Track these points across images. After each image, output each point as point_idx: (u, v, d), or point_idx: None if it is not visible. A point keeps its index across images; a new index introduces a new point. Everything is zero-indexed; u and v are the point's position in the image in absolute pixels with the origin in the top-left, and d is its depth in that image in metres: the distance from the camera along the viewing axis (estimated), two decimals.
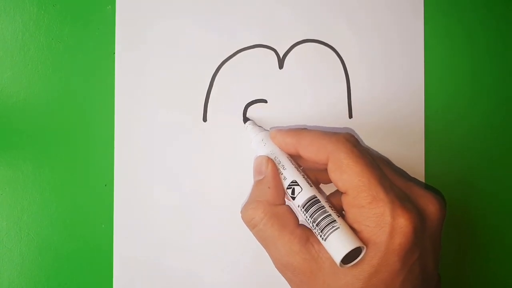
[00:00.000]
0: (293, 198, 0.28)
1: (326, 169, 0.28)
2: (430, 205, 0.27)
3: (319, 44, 0.34)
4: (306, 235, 0.27)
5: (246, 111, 0.34)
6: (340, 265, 0.25)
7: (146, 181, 0.34)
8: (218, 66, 0.34)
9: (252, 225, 0.28)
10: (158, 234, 0.34)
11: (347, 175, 0.26)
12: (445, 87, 0.34)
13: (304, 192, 0.28)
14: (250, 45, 0.34)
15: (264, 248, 0.29)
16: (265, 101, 0.34)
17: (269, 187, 0.29)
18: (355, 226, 0.26)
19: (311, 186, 0.28)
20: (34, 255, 0.34)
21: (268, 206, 0.28)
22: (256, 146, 0.31)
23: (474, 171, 0.35)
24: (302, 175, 0.29)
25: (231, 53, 0.34)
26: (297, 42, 0.34)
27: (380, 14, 0.34)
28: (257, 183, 0.30)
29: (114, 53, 0.34)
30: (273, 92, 0.34)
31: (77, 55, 0.34)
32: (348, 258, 0.25)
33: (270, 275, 0.33)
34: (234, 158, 0.34)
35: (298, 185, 0.28)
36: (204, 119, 0.34)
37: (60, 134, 0.34)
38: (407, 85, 0.34)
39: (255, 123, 0.33)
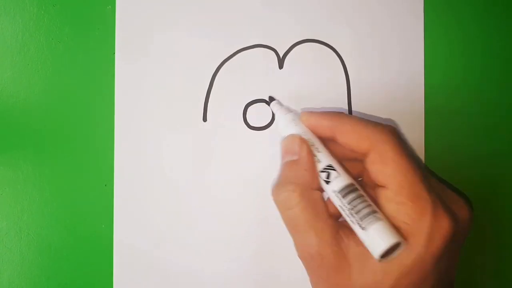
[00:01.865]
0: (327, 183, 0.26)
1: (356, 159, 0.27)
2: (462, 211, 0.26)
3: (319, 44, 0.34)
4: (337, 226, 0.26)
5: (272, 98, 0.32)
6: (378, 259, 0.24)
7: (146, 181, 0.34)
8: (218, 66, 0.34)
9: (285, 208, 0.27)
10: (158, 234, 0.34)
11: (391, 168, 0.25)
12: (445, 86, 0.34)
13: (342, 178, 0.26)
14: (250, 45, 0.34)
15: (292, 233, 0.27)
16: (265, 100, 0.34)
17: (305, 169, 0.27)
18: (392, 221, 0.25)
19: (347, 173, 0.27)
20: (34, 255, 0.34)
21: (306, 190, 0.26)
22: (285, 126, 0.29)
23: (474, 170, 0.35)
24: (337, 161, 0.27)
25: (231, 53, 0.34)
26: (297, 42, 0.34)
27: (380, 14, 0.34)
28: (291, 164, 0.28)
29: (114, 53, 0.34)
30: (273, 92, 0.34)
31: (77, 55, 0.34)
32: (386, 252, 0.24)
33: (269, 272, 0.33)
34: (234, 158, 0.34)
35: (334, 169, 0.27)
36: (204, 119, 0.34)
37: (60, 134, 0.34)
38: (407, 84, 0.34)
39: (281, 103, 0.32)
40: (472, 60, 0.35)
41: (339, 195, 0.26)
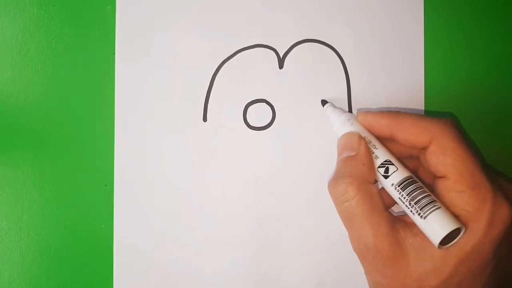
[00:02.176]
0: (386, 177, 0.28)
1: (411, 156, 0.28)
2: None
3: (319, 44, 0.34)
4: (393, 219, 0.27)
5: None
6: (438, 246, 0.25)
7: (146, 181, 0.34)
8: (218, 66, 0.34)
9: (342, 200, 0.27)
10: (158, 234, 0.34)
11: (452, 159, 0.26)
12: (445, 86, 0.34)
13: (400, 171, 0.27)
14: (250, 45, 0.34)
15: (347, 226, 0.28)
16: (265, 101, 0.34)
17: (363, 164, 0.28)
18: (452, 210, 0.26)
19: (405, 167, 0.28)
20: (34, 255, 0.34)
21: (363, 183, 0.27)
22: (341, 125, 0.30)
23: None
24: (394, 156, 0.28)
25: (231, 53, 0.34)
26: (297, 42, 0.34)
27: (380, 14, 0.34)
28: (349, 159, 0.28)
29: (114, 53, 0.34)
30: (273, 92, 0.34)
31: (77, 55, 0.34)
32: (445, 239, 0.25)
33: (269, 272, 0.33)
34: (234, 158, 0.34)
35: (392, 164, 0.28)
36: (204, 119, 0.34)
37: (60, 134, 0.34)
38: (407, 85, 0.34)
39: (334, 105, 0.33)
40: (472, 60, 0.35)
41: (398, 188, 0.27)
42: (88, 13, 0.34)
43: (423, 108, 0.34)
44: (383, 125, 0.29)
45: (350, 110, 0.34)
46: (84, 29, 0.34)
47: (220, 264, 0.34)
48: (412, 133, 0.27)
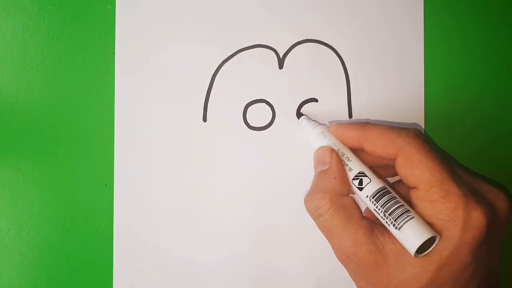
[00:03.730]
0: (360, 189, 0.28)
1: (387, 165, 0.28)
2: (500, 201, 0.27)
3: (319, 44, 0.34)
4: (371, 226, 0.27)
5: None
6: (415, 254, 0.25)
7: (146, 181, 0.34)
8: (218, 66, 0.34)
9: (317, 215, 0.28)
10: (158, 234, 0.34)
11: (419, 170, 0.26)
12: (445, 86, 0.34)
13: (374, 183, 0.28)
14: (250, 45, 0.34)
15: (327, 238, 0.28)
16: (265, 101, 0.34)
17: (335, 178, 0.28)
18: (426, 219, 0.26)
19: (379, 178, 0.28)
20: (34, 255, 0.34)
21: (335, 196, 0.28)
22: (315, 139, 0.31)
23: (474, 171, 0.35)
24: (368, 167, 0.29)
25: (231, 53, 0.34)
26: (297, 42, 0.34)
27: (380, 14, 0.34)
28: (321, 174, 0.29)
29: (114, 53, 0.34)
30: (273, 92, 0.34)
31: (77, 55, 0.34)
32: (421, 248, 0.25)
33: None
34: (234, 158, 0.34)
35: (366, 176, 0.28)
36: (204, 119, 0.34)
37: (60, 134, 0.34)
38: (407, 85, 0.34)
39: (309, 118, 0.33)
40: (472, 61, 0.35)
41: (373, 199, 0.27)
42: (88, 13, 0.34)
43: (423, 107, 0.34)
44: (352, 137, 0.29)
45: (350, 110, 0.34)
46: (84, 29, 0.34)
47: (221, 264, 0.34)
48: (378, 145, 0.28)
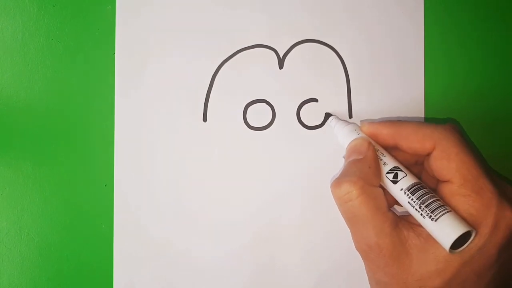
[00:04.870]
0: (395, 182, 0.28)
1: (417, 164, 0.29)
2: None
3: (319, 44, 0.34)
4: (396, 219, 0.27)
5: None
6: (450, 250, 0.25)
7: (146, 181, 0.34)
8: (218, 66, 0.34)
9: (345, 200, 0.27)
10: (158, 234, 0.34)
11: (455, 163, 0.26)
12: (445, 87, 0.34)
13: (409, 177, 0.28)
14: (250, 45, 0.34)
15: (350, 225, 0.28)
16: (265, 101, 0.34)
17: (369, 167, 0.28)
18: (457, 214, 0.26)
19: (413, 174, 0.28)
20: (34, 255, 0.34)
21: (367, 184, 0.27)
22: (347, 135, 0.31)
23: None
24: (401, 163, 0.29)
25: (231, 53, 0.34)
26: (297, 42, 0.34)
27: (380, 14, 0.34)
28: (355, 162, 0.29)
29: (114, 53, 0.34)
30: (273, 92, 0.34)
31: (77, 55, 0.34)
32: (455, 243, 0.25)
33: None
34: (234, 158, 0.34)
35: (401, 170, 0.28)
36: (204, 119, 0.34)
37: (60, 134, 0.34)
38: (407, 85, 0.34)
39: (338, 117, 0.33)
40: (473, 61, 0.35)
41: (408, 192, 0.27)
42: (88, 13, 0.34)
43: (423, 107, 0.34)
44: (386, 135, 0.29)
45: (350, 111, 0.34)
46: (84, 29, 0.34)
47: (222, 264, 0.34)
48: (415, 140, 0.28)
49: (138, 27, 0.34)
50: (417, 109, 0.34)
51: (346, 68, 0.34)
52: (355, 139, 0.30)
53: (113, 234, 0.33)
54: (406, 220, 0.28)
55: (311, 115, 0.34)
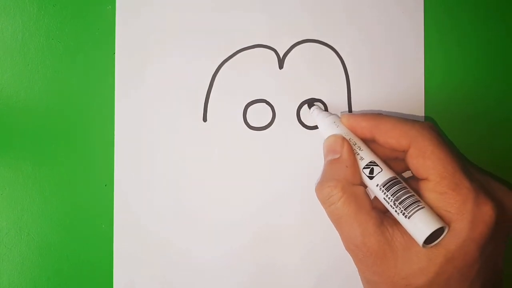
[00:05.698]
0: (371, 178, 0.28)
1: (396, 158, 0.28)
2: (507, 199, 0.27)
3: (319, 44, 0.34)
4: (381, 218, 0.27)
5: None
6: (423, 245, 0.25)
7: (146, 181, 0.34)
8: (218, 66, 0.34)
9: (328, 203, 0.28)
10: (158, 234, 0.34)
11: (431, 161, 0.26)
12: (444, 87, 0.34)
13: (384, 172, 0.28)
14: (250, 45, 0.34)
15: (337, 227, 0.28)
16: (265, 101, 0.34)
17: (346, 166, 0.28)
18: (435, 211, 0.26)
19: (389, 168, 0.28)
20: (34, 255, 0.34)
21: (347, 185, 0.28)
22: (327, 128, 0.31)
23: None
24: (379, 157, 0.29)
25: (231, 53, 0.34)
26: (297, 42, 0.34)
27: (380, 14, 0.34)
28: (333, 162, 0.29)
29: (114, 53, 0.34)
30: (273, 92, 0.34)
31: (77, 55, 0.34)
32: (430, 239, 0.25)
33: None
34: (234, 158, 0.34)
35: (377, 165, 0.28)
36: (204, 119, 0.34)
37: (60, 134, 0.34)
38: (407, 85, 0.34)
39: (320, 108, 0.33)
40: (473, 60, 0.35)
41: (383, 188, 0.27)
42: (88, 13, 0.34)
43: (423, 107, 0.34)
44: (364, 128, 0.29)
45: (350, 110, 0.34)
46: (84, 29, 0.34)
47: (222, 264, 0.34)
48: (391, 136, 0.28)
49: (138, 27, 0.34)
50: (417, 109, 0.34)
51: (346, 68, 0.34)
52: (329, 137, 0.30)
53: (113, 234, 0.33)
54: (391, 218, 0.28)
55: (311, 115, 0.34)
